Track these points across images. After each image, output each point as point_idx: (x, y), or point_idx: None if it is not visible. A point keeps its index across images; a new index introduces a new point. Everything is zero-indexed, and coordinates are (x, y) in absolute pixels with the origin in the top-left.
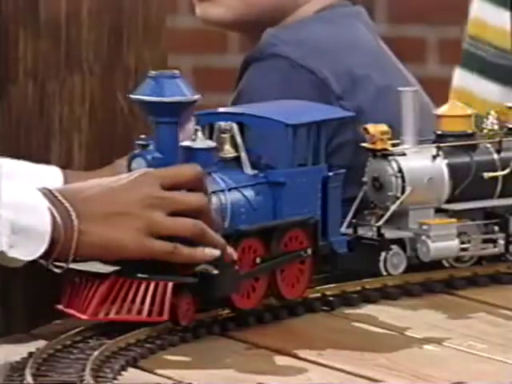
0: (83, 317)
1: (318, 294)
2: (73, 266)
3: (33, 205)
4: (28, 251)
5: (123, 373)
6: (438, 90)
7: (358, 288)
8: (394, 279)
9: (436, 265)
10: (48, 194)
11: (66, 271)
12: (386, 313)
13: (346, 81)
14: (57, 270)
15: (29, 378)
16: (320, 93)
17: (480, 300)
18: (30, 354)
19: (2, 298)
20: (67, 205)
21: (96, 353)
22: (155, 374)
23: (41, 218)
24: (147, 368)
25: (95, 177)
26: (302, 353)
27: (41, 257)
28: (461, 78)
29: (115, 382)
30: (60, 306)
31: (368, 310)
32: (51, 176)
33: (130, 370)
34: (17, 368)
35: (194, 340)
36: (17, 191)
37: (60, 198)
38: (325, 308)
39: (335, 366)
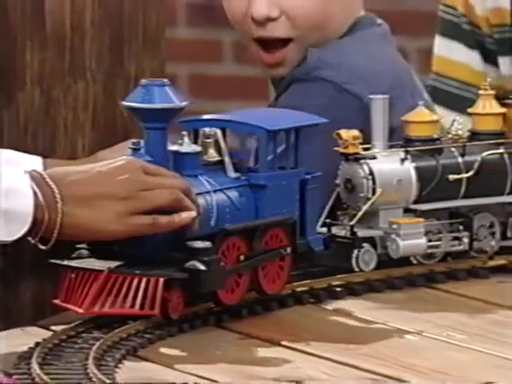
0: (79, 310)
1: (306, 288)
2: (69, 262)
3: (16, 188)
4: (9, 232)
5: (124, 361)
6: None
7: (344, 282)
8: (378, 274)
9: (403, 262)
10: (36, 175)
11: (62, 267)
12: (370, 305)
13: None
14: (42, 247)
15: (35, 367)
16: (365, 116)
17: (458, 293)
18: (37, 344)
19: (12, 292)
20: (53, 187)
21: (98, 343)
22: (154, 362)
23: (23, 202)
24: (146, 357)
25: (74, 165)
26: (291, 342)
27: (25, 236)
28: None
29: (116, 370)
30: (57, 301)
31: (353, 302)
32: (31, 163)
33: (130, 359)
34: (24, 357)
35: (191, 331)
36: (3, 175)
37: (48, 179)
38: (312, 300)
39: (322, 355)
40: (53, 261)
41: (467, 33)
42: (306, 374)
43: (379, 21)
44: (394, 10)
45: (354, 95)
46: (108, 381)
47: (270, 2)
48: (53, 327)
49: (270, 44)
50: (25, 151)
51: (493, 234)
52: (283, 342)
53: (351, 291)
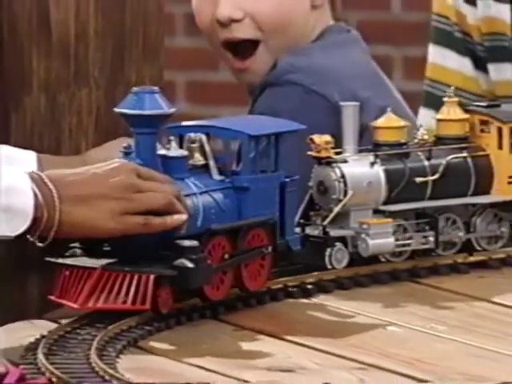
0: (74, 306)
1: (297, 283)
2: (63, 261)
3: (18, 187)
4: (10, 228)
5: (125, 352)
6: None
7: (333, 277)
8: (365, 269)
9: (373, 260)
10: (36, 176)
11: (57, 265)
12: (357, 298)
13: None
14: (40, 244)
15: (41, 357)
16: (333, 116)
17: (441, 287)
18: (42, 336)
19: (20, 288)
20: (52, 187)
21: (100, 334)
22: (153, 353)
23: (24, 200)
24: (146, 348)
25: (66, 162)
26: (282, 333)
27: (25, 233)
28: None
29: (117, 360)
30: (52, 297)
31: (341, 296)
32: (27, 158)
33: (131, 349)
34: (30, 348)
35: (188, 323)
36: (4, 174)
37: (46, 180)
38: (302, 294)
39: (312, 345)
40: (48, 259)
41: (459, 41)
42: (297, 364)
43: (349, 28)
44: (381, 21)
45: (322, 96)
46: (110, 370)
47: (234, 4)
48: (58, 320)
49: (238, 49)
50: None
51: (457, 229)
52: (275, 334)
53: (340, 285)
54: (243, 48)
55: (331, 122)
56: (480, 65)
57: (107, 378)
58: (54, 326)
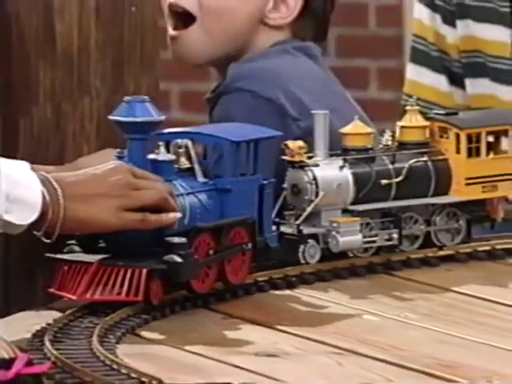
0: (73, 297)
1: (281, 275)
2: (62, 256)
3: (27, 182)
4: (21, 217)
5: (124, 339)
6: (378, 111)
7: (314, 270)
8: (343, 263)
9: (342, 255)
10: (41, 177)
11: (56, 260)
12: (336, 290)
13: (298, 106)
14: (47, 240)
15: (47, 344)
16: (280, 117)
17: (412, 279)
18: (48, 324)
19: (28, 279)
20: (56, 186)
21: (101, 323)
22: (150, 339)
23: (33, 193)
24: (143, 335)
25: (57, 169)
26: (268, 322)
27: (33, 228)
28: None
29: (117, 346)
30: (52, 290)
31: (321, 287)
32: (21, 166)
33: (129, 336)
34: (37, 335)
35: (181, 312)
36: (14, 170)
37: (51, 180)
38: (286, 286)
39: (294, 332)
40: (48, 255)
41: (435, 59)
42: (281, 349)
43: (301, 42)
44: (358, 36)
45: (269, 99)
46: (110, 355)
47: None
48: (62, 310)
49: (179, 19)
50: (38, 157)
51: (418, 227)
52: (261, 322)
53: (320, 278)
54: (182, 19)
55: (278, 123)
56: (456, 80)
57: (108, 362)
58: (58, 315)
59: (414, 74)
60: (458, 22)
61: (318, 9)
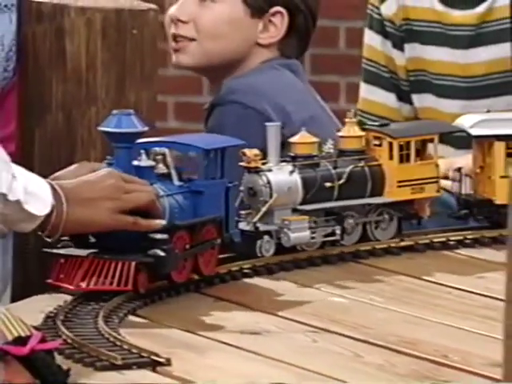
0: (70, 287)
1: (263, 263)
2: (58, 251)
3: (37, 180)
4: (37, 208)
5: (126, 319)
6: None
7: (291, 258)
8: (318, 252)
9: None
10: (47, 181)
11: (53, 255)
12: (311, 276)
13: (282, 115)
14: (49, 240)
15: (59, 323)
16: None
17: (378, 266)
18: (60, 306)
19: (41, 267)
20: (59, 191)
21: (106, 305)
22: (149, 319)
23: (45, 190)
24: (143, 316)
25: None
26: (253, 304)
27: (38, 228)
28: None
29: (120, 325)
30: (50, 281)
31: (299, 274)
32: None
33: (131, 317)
34: (50, 316)
35: (176, 296)
36: (25, 172)
37: (56, 186)
38: (267, 272)
39: (275, 313)
40: (45, 250)
41: (385, 79)
42: (263, 328)
43: (286, 59)
44: (329, 55)
45: (257, 111)
46: (114, 333)
47: (184, 9)
48: (72, 293)
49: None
50: (51, 159)
51: (357, 224)
52: (246, 304)
53: (297, 265)
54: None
55: (265, 130)
56: (404, 97)
57: (111, 340)
58: (69, 298)
59: (367, 92)
60: (406, 46)
61: (302, 26)
